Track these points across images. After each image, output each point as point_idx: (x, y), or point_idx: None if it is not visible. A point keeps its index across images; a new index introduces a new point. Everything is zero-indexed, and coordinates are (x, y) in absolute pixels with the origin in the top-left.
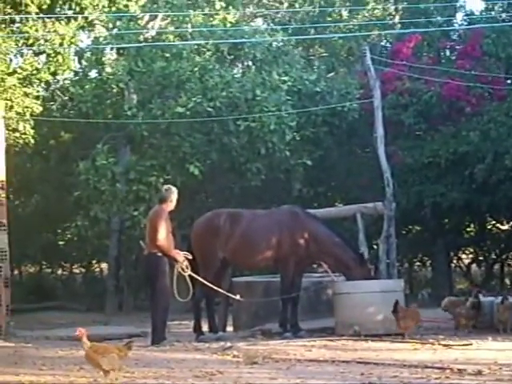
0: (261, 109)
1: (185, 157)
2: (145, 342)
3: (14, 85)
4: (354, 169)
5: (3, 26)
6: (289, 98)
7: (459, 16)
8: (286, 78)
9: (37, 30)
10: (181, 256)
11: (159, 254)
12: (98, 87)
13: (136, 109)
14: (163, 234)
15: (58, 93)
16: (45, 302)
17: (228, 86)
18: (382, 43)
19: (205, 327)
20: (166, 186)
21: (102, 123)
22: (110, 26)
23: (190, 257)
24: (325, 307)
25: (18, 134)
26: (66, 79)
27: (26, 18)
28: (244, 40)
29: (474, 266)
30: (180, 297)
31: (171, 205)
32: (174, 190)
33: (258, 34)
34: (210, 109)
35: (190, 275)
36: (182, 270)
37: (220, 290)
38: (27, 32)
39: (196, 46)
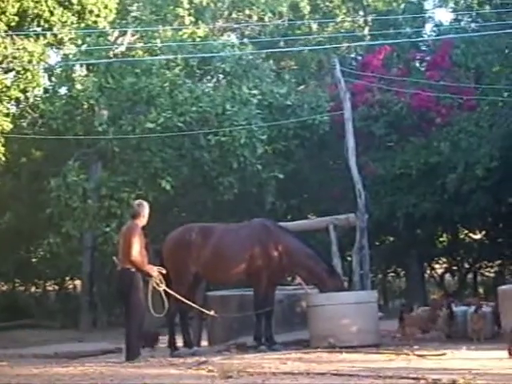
0: (231, 123)
1: (156, 172)
2: (119, 357)
3: None
4: (325, 181)
5: None
6: (259, 111)
7: (428, 27)
8: (256, 92)
9: (5, 48)
10: (154, 271)
11: (133, 270)
12: (68, 104)
13: (106, 125)
14: (137, 249)
15: (29, 110)
16: (18, 319)
17: (198, 101)
18: (352, 55)
19: (179, 342)
20: (137, 201)
21: (73, 140)
22: (80, 42)
23: (164, 271)
24: (299, 320)
25: None
26: (36, 96)
27: None
28: (213, 54)
29: (447, 275)
30: (155, 312)
31: (144, 220)
32: (146, 204)
33: (228, 48)
34: (180, 124)
35: (164, 290)
36: (157, 284)
37: (194, 304)
38: None
39: (165, 61)
